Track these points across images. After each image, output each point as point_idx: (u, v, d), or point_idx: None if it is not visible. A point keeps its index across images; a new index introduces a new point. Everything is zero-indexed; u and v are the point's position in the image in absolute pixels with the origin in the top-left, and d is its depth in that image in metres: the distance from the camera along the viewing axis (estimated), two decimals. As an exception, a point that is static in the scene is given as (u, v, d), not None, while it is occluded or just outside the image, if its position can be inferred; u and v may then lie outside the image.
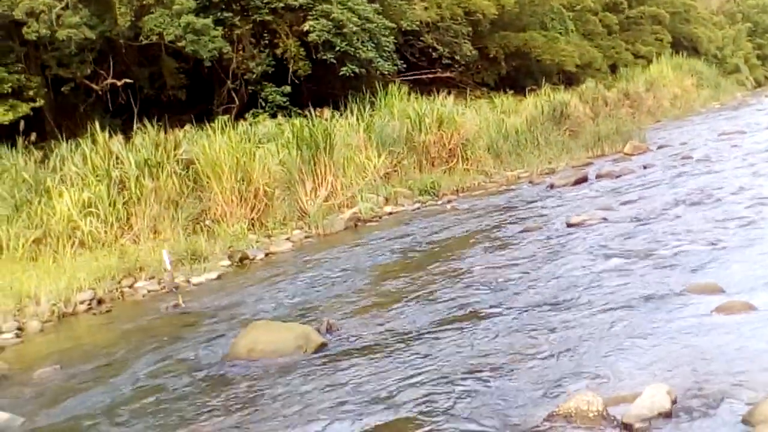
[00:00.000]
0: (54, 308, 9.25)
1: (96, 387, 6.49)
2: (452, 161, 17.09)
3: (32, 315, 9.10)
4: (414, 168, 16.55)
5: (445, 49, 25.53)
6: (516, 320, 6.54)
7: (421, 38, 25.47)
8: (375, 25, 21.98)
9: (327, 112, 16.37)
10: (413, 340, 6.43)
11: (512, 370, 5.40)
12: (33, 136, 13.33)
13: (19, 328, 8.83)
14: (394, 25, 23.01)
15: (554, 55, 30.27)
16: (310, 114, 15.67)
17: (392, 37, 23.00)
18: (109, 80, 15.83)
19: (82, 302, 9.55)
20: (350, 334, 6.87)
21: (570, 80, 30.55)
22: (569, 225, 10.31)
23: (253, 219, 12.94)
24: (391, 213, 14.12)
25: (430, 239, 11.03)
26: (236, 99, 19.02)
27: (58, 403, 6.20)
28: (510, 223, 11.36)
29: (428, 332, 6.57)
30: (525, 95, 23.84)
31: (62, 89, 15.37)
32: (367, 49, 21.49)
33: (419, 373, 5.59)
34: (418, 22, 24.45)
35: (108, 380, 6.63)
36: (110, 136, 13.17)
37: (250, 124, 16.64)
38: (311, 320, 7.37)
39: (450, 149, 17.13)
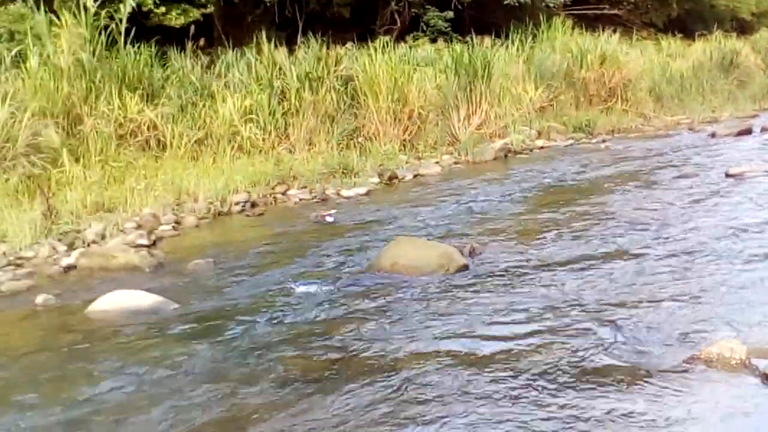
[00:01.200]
0: (210, 206, 9.69)
1: (245, 282, 6.81)
2: (611, 101, 16.71)
3: (190, 211, 9.57)
4: (570, 104, 16.29)
5: (614, -15, 24.58)
6: (662, 263, 6.44)
7: (591, -28, 24.61)
8: (545, -46, 21.39)
9: (487, 41, 16.19)
10: (555, 272, 6.43)
11: (655, 311, 5.35)
12: (201, 42, 13.75)
13: (177, 222, 9.30)
14: (567, -43, 22.32)
15: (729, 0, 28.74)
16: (471, 41, 15.56)
17: (563, -32, 22.34)
18: (278, -8, 16.11)
19: (236, 203, 9.96)
20: (492, 260, 6.93)
21: (743, 28, 28.94)
22: (728, 175, 9.98)
23: (404, 140, 13.09)
24: (542, 147, 13.99)
25: (581, 176, 10.90)
26: (398, 21, 18.98)
27: (209, 294, 6.54)
28: (666, 167, 11.08)
29: (570, 266, 6.56)
30: (694, 40, 22.81)
31: (233, -2, 15.76)
32: (536, -21, 20.98)
33: (558, 305, 5.61)
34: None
35: (256, 277, 6.94)
36: (275, 47, 13.48)
37: (410, 47, 16.61)
38: (454, 242, 7.45)
39: (610, 88, 16.73)
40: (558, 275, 6.32)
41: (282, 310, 5.98)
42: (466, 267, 6.65)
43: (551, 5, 21.01)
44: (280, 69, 13.01)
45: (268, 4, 16.08)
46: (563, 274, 6.35)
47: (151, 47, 12.33)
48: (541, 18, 18.38)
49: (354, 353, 5.01)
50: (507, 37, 17.04)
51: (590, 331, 5.06)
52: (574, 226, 7.98)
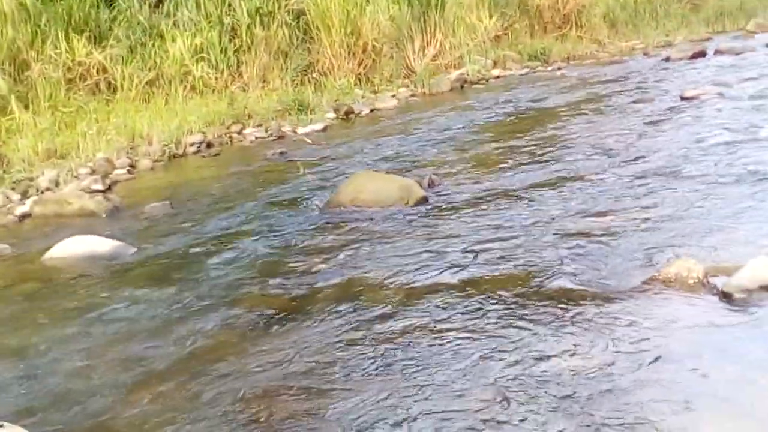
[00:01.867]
0: (165, 149, 9.56)
1: (202, 223, 6.74)
2: (565, 28, 16.66)
3: (144, 154, 9.44)
4: (525, 32, 16.25)
5: None
6: (620, 187, 6.46)
7: None
8: None
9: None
10: (513, 200, 6.43)
11: (614, 234, 5.38)
12: (149, -20, 13.44)
13: (131, 165, 9.18)
14: None
15: None
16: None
17: None
18: None
19: (191, 145, 9.84)
20: (451, 191, 6.92)
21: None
22: (683, 98, 10.00)
23: (359, 74, 12.97)
24: (498, 77, 13.95)
25: (538, 105, 10.89)
26: (348, -48, 18.72)
27: (167, 236, 6.47)
28: (622, 93, 11.09)
29: (529, 194, 6.55)
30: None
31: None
32: None
33: (517, 233, 5.61)
34: None
35: (214, 217, 6.88)
36: (224, -18, 13.19)
37: (361, -21, 16.38)
38: (413, 175, 7.43)
39: (564, 15, 16.66)
40: (516, 202, 6.33)
41: (242, 249, 5.93)
42: (425, 199, 6.64)
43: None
44: (229, 5, 12.74)
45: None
46: (521, 201, 6.36)
47: (96, -12, 12.00)
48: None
49: (316, 289, 4.98)
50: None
51: (549, 257, 5.07)
52: (531, 153, 7.98)
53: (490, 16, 15.30)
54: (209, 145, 9.98)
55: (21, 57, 10.78)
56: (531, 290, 4.59)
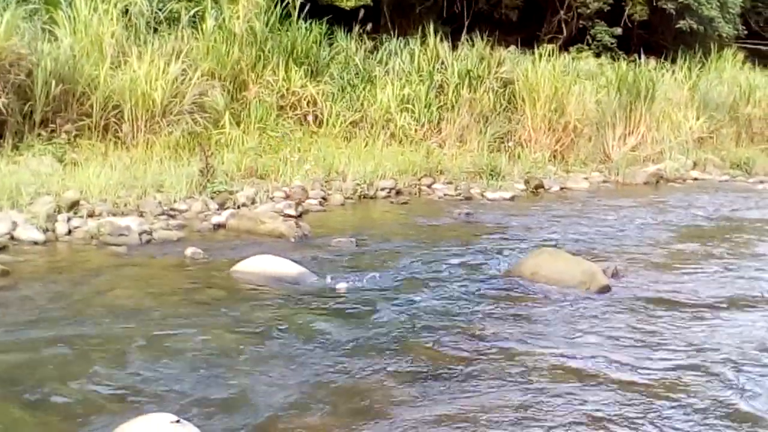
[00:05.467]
0: (357, 188, 9.89)
1: (384, 266, 6.91)
2: (774, 141, 16.07)
3: (337, 189, 9.79)
4: (731, 139, 15.81)
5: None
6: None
7: (772, 6, 23.64)
8: (726, -17, 20.71)
9: (653, 62, 15.86)
10: (697, 310, 6.19)
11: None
12: (368, 26, 13.96)
13: (323, 198, 9.54)
14: (745, -13, 21.54)
15: None
16: (636, 60, 15.26)
17: (740, 0, 21.57)
18: (447, -12, 16.21)
19: (382, 189, 10.14)
20: (634, 286, 6.76)
21: None
22: None
23: (555, 151, 13.02)
24: (696, 179, 13.63)
25: (734, 215, 10.52)
26: (564, 31, 18.75)
27: (349, 272, 6.65)
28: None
29: (713, 306, 6.29)
30: None
31: (405, -13, 15.95)
32: (711, 7, 20.29)
33: (697, 344, 5.37)
34: (772, -13, 22.71)
35: (396, 263, 7.03)
36: (439, 41, 13.57)
37: (573, 59, 16.40)
38: (596, 261, 7.32)
39: (775, 127, 16.09)
40: (700, 313, 6.09)
41: (418, 300, 6.02)
42: (608, 288, 6.53)
43: (724, 35, 20.36)
44: (442, 63, 13.13)
45: (438, -2, 16.21)
46: (705, 312, 6.11)
47: (321, 25, 12.60)
48: (712, 47, 17.87)
49: (486, 354, 4.99)
50: (674, 61, 16.62)
51: (727, 377, 4.85)
52: (721, 264, 7.69)
53: (697, 117, 15.01)
54: (398, 193, 10.24)
55: (242, 77, 11.45)
56: (702, 408, 4.38)
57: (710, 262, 7.74)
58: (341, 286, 6.14)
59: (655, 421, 4.17)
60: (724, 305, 6.32)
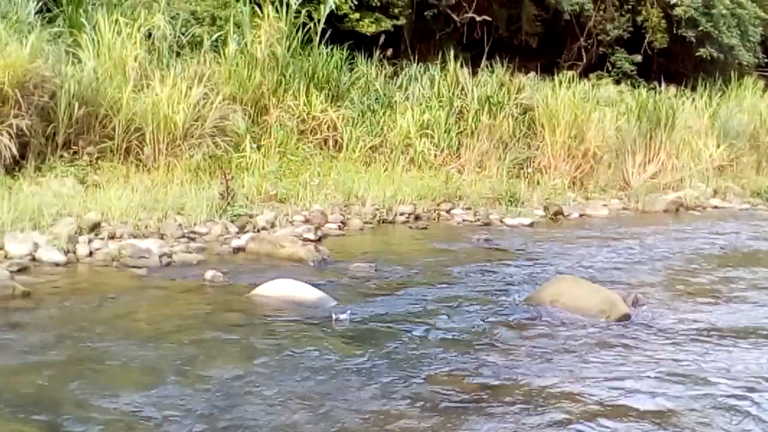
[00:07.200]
0: (376, 212, 9.91)
1: (403, 292, 6.90)
2: (796, 171, 15.96)
3: (356, 214, 9.81)
4: (752, 167, 15.72)
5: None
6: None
7: (792, 34, 23.58)
8: (746, 11, 20.65)
9: (673, 90, 15.85)
10: (719, 340, 6.12)
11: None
12: (389, 52, 14.04)
13: (342, 222, 9.55)
14: (766, 16, 21.50)
15: None
16: (656, 88, 15.27)
17: (761, 28, 21.54)
18: (470, 14, 16.24)
19: (401, 214, 10.15)
20: (656, 314, 6.71)
21: None
22: None
23: (575, 178, 13.00)
24: (716, 207, 13.57)
25: (755, 244, 10.45)
26: (584, 57, 18.78)
27: (368, 297, 6.66)
28: None
29: (734, 337, 6.23)
30: None
31: (425, 14, 16.01)
32: (731, 35, 20.27)
33: (718, 376, 5.30)
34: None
35: (415, 289, 7.02)
36: (459, 67, 13.62)
37: (593, 86, 16.40)
38: (616, 289, 7.27)
39: (794, 156, 16.00)
40: (721, 344, 6.03)
41: (437, 327, 6.00)
42: (628, 316, 6.49)
43: (744, 64, 20.32)
44: (462, 89, 13.16)
45: (458, 23, 16.25)
46: (727, 343, 6.06)
47: (342, 51, 12.67)
48: (732, 75, 17.86)
49: (505, 382, 4.97)
50: (694, 89, 16.59)
51: (746, 408, 4.79)
52: (741, 295, 7.63)
53: (718, 145, 14.96)
54: (417, 218, 10.25)
55: (263, 102, 11.52)
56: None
57: (730, 291, 7.68)
58: (343, 317, 6.02)
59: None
60: (744, 335, 6.27)
